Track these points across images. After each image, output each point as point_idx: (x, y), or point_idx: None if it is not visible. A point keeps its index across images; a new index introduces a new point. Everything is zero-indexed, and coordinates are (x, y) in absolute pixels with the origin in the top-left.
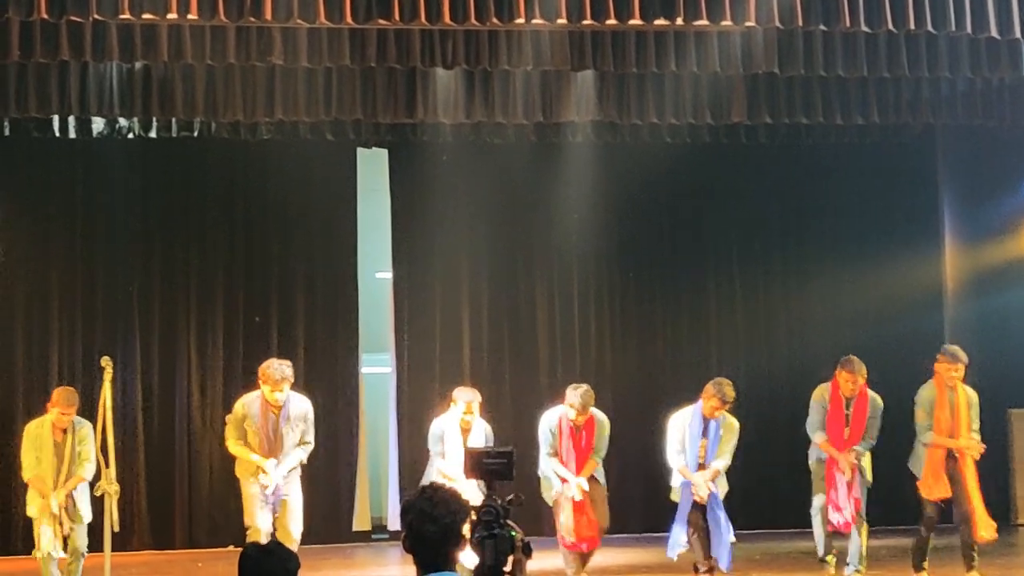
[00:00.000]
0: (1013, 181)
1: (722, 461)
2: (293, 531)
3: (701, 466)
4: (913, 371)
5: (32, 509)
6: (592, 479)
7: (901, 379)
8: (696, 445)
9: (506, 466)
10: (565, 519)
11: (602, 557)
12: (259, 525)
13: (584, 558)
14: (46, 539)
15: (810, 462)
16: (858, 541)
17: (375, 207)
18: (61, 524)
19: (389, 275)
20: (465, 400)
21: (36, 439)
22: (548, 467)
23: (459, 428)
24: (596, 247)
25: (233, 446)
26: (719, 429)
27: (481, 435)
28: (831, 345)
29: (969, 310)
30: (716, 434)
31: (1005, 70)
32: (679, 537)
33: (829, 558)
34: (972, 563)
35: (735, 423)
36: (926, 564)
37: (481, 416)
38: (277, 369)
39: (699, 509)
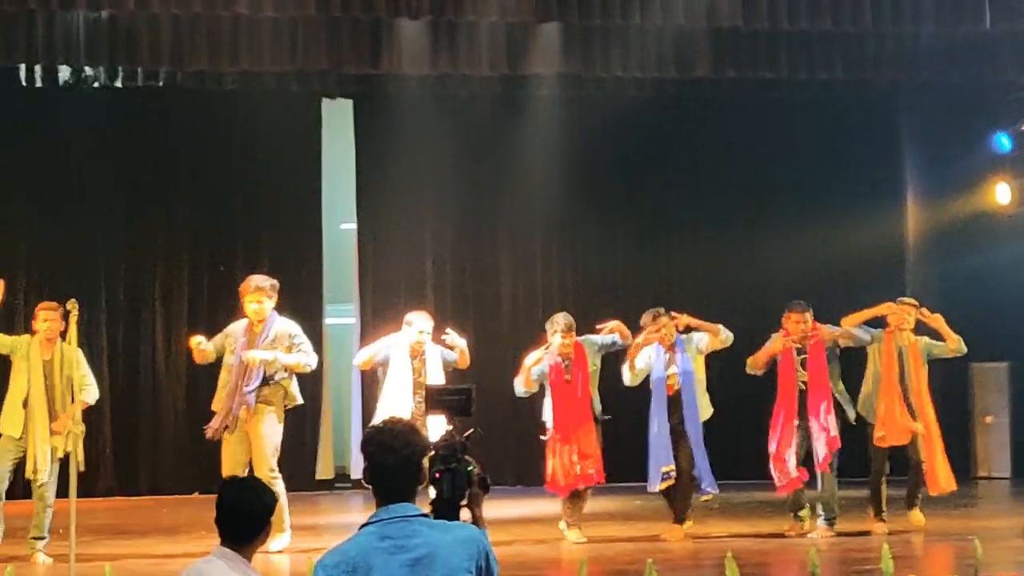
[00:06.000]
0: (976, 138)
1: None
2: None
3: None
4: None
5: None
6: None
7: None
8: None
9: (464, 402)
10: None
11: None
12: None
13: (576, 503)
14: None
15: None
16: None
17: (340, 158)
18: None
19: (353, 226)
20: (419, 328)
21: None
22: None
23: (408, 350)
24: (559, 199)
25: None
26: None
27: (438, 358)
28: (791, 298)
29: (931, 265)
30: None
31: (968, 23)
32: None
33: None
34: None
35: None
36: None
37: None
38: (254, 279)
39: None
